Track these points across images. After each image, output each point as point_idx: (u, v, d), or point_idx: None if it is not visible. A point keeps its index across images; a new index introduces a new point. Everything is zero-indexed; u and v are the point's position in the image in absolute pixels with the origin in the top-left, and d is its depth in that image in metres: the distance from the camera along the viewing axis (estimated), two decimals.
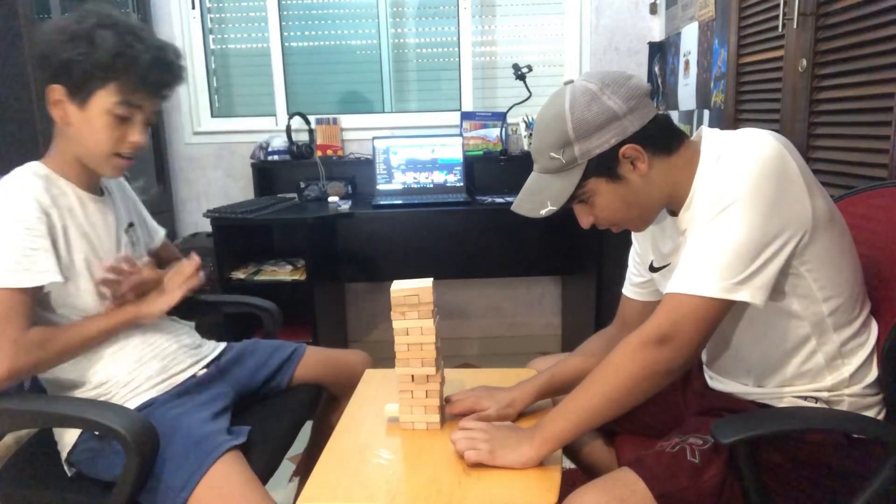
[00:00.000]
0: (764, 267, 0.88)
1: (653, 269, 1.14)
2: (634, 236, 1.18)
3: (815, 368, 0.99)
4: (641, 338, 0.93)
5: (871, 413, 1.00)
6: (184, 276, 1.26)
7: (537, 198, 1.00)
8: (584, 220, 1.04)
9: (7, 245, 1.08)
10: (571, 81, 0.98)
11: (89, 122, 1.15)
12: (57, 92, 1.14)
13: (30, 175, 1.16)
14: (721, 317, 0.91)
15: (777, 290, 0.94)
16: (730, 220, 0.88)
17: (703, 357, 1.14)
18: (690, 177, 0.97)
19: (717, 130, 1.00)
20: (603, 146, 0.94)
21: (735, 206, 0.88)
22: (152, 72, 1.15)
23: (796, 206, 0.90)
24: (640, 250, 1.17)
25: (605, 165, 0.96)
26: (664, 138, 0.98)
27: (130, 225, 1.35)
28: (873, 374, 0.99)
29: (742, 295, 0.88)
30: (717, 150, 0.95)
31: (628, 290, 1.22)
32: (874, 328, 1.01)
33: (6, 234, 1.09)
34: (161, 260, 1.47)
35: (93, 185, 1.25)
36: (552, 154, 0.96)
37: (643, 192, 0.98)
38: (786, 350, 1.00)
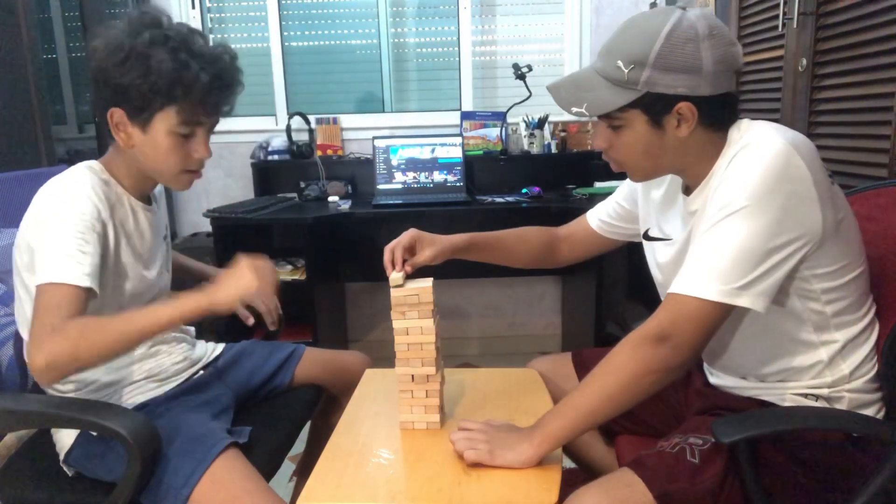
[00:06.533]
0: (767, 275, 0.89)
1: (647, 237, 1.14)
2: (640, 198, 1.17)
3: (816, 365, 0.99)
4: (641, 335, 0.93)
5: (870, 410, 1.00)
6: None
7: (579, 93, 0.96)
8: (602, 142, 1.01)
9: (61, 242, 1.04)
10: (684, 8, 0.93)
11: (154, 144, 1.12)
12: (118, 115, 1.11)
13: (90, 178, 1.12)
14: (721, 320, 0.92)
15: (781, 292, 0.94)
16: (734, 226, 0.88)
17: (702, 354, 1.14)
18: (712, 161, 0.97)
19: (749, 123, 0.98)
20: (668, 89, 0.91)
21: (740, 213, 0.88)
22: (211, 93, 1.13)
23: (805, 217, 0.89)
24: (642, 214, 1.18)
25: (656, 107, 0.93)
26: (720, 116, 0.96)
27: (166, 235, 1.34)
28: (873, 371, 1.00)
29: (742, 301, 0.89)
30: (737, 147, 0.94)
31: (593, 220, 1.28)
32: (876, 326, 1.02)
33: (62, 231, 1.04)
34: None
35: (146, 195, 1.24)
36: (619, 63, 0.91)
37: (669, 151, 0.97)
38: (787, 349, 1.00)
